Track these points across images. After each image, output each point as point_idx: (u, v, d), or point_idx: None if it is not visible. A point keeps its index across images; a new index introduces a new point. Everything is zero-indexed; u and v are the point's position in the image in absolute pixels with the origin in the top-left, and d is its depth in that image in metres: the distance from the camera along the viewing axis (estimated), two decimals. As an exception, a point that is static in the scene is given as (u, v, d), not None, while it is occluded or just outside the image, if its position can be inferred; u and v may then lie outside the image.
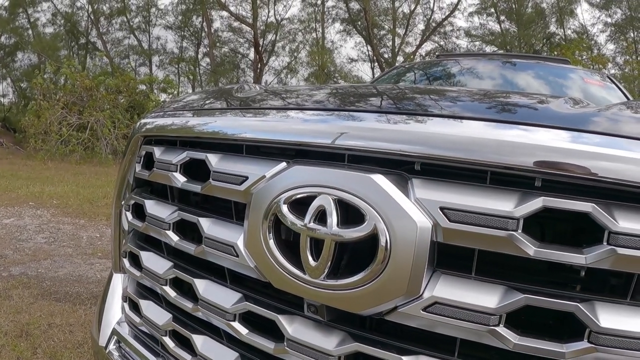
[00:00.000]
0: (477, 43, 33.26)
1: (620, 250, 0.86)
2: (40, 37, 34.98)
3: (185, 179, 1.42)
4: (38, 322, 3.84)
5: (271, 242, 1.12)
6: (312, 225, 1.04)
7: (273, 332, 1.19)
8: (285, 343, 1.15)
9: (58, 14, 35.91)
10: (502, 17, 32.14)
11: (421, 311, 0.97)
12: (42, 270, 5.23)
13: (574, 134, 0.97)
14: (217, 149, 1.40)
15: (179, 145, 1.54)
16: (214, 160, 1.32)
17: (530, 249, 0.90)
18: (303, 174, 1.10)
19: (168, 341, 1.47)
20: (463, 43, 33.68)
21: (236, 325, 1.25)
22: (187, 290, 1.43)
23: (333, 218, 1.02)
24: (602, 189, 0.91)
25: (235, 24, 35.44)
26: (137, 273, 1.62)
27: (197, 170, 1.40)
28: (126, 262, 1.71)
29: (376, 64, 33.12)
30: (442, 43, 33.94)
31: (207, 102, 1.72)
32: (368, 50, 34.63)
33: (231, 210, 1.30)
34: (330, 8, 34.98)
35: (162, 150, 1.55)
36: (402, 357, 1.00)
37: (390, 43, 34.16)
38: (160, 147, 1.58)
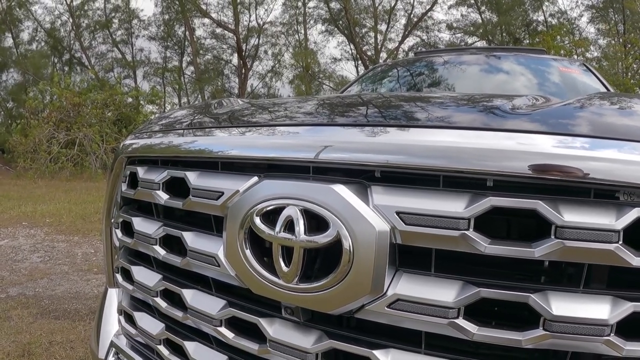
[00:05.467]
0: (459, 35, 33.33)
1: (567, 243, 0.93)
2: (25, 55, 34.89)
3: (167, 196, 1.50)
4: (39, 341, 3.89)
5: (247, 252, 1.21)
6: (282, 234, 1.12)
7: (257, 334, 1.26)
8: (267, 344, 1.23)
9: (41, 31, 35.84)
10: (483, 8, 32.18)
11: (386, 308, 1.05)
12: (40, 289, 5.28)
13: (519, 136, 1.04)
14: (194, 166, 1.48)
15: (160, 164, 1.61)
16: (192, 177, 1.40)
17: (482, 246, 0.97)
18: (272, 187, 1.19)
19: (162, 349, 1.54)
20: (445, 36, 33.73)
21: (223, 330, 1.33)
22: (177, 301, 1.50)
23: (300, 227, 1.10)
24: (549, 185, 0.98)
25: (218, 30, 35.40)
26: (130, 287, 1.69)
27: (179, 187, 1.47)
28: (119, 277, 1.78)
29: (360, 62, 33.10)
30: (424, 37, 33.99)
31: (185, 121, 1.78)
32: (351, 49, 34.63)
33: (211, 223, 1.38)
34: (312, 9, 34.98)
35: (145, 169, 1.62)
36: (373, 351, 1.08)
37: (373, 40, 34.21)
38: (144, 166, 1.65)
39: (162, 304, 1.53)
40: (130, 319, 1.73)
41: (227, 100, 1.96)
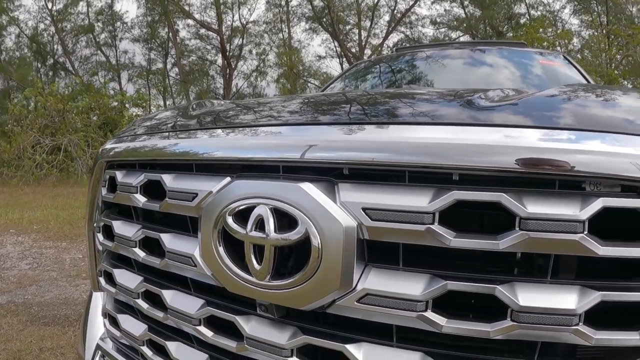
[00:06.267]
0: (443, 30, 33.37)
1: (531, 234, 0.95)
2: (9, 62, 34.66)
3: (145, 199, 1.52)
4: (29, 348, 3.90)
5: (221, 251, 1.23)
6: (253, 233, 1.14)
7: (235, 332, 1.28)
8: (244, 341, 1.25)
9: (24, 37, 35.63)
10: (466, 2, 32.20)
11: (355, 303, 1.07)
12: (29, 296, 5.28)
13: (483, 130, 1.08)
14: (170, 169, 1.50)
15: (138, 168, 1.63)
16: (168, 180, 1.42)
17: (448, 239, 0.99)
18: (243, 187, 1.21)
19: (146, 350, 1.55)
20: (429, 31, 33.73)
21: (202, 329, 1.35)
22: (158, 302, 1.52)
23: (270, 225, 1.12)
24: (515, 178, 1.00)
25: (202, 31, 35.27)
26: (113, 290, 1.70)
27: (157, 190, 1.49)
28: (102, 281, 1.80)
29: (344, 59, 33.02)
30: (408, 33, 33.97)
31: (161, 124, 1.80)
32: (335, 46, 34.55)
33: (188, 224, 1.40)
34: (295, 7, 34.89)
35: (123, 173, 1.64)
36: (346, 346, 1.10)
37: (357, 37, 34.17)
38: (122, 170, 1.66)
39: (143, 305, 1.55)
40: (114, 322, 1.74)
41: (202, 102, 1.98)
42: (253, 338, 1.23)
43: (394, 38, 34.22)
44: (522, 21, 30.77)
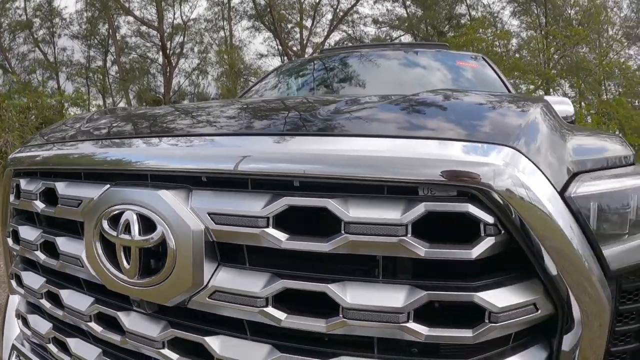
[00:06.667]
0: (385, 29, 33.45)
1: (354, 237, 1.07)
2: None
3: (43, 205, 1.61)
4: (-45, 357, 3.87)
5: (100, 252, 1.35)
6: (122, 236, 1.27)
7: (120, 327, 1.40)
8: (125, 335, 1.37)
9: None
10: (408, 2, 32.34)
11: (207, 298, 1.20)
12: (-42, 304, 5.21)
13: (313, 139, 1.22)
14: (63, 177, 1.61)
15: (38, 176, 1.73)
16: (60, 187, 1.53)
17: (280, 242, 1.12)
18: (117, 194, 1.33)
19: (52, 347, 1.65)
20: (371, 30, 33.70)
21: (92, 325, 1.46)
22: (59, 301, 1.60)
23: (135, 229, 1.25)
24: (343, 184, 1.12)
25: (143, 28, 34.53)
26: (22, 291, 1.79)
27: (54, 196, 1.58)
28: (13, 283, 1.88)
29: (286, 57, 32.69)
30: (350, 32, 33.89)
31: (62, 134, 1.90)
32: (277, 45, 34.25)
33: (79, 228, 1.51)
34: (237, 4, 34.47)
35: (26, 181, 1.73)
36: (205, 338, 1.23)
37: (299, 35, 33.97)
38: (26, 178, 1.76)
39: (46, 304, 1.65)
40: (26, 322, 1.82)
41: (102, 111, 2.11)
42: (131, 332, 1.35)
43: (336, 37, 34.10)
44: (462, 21, 31.11)
